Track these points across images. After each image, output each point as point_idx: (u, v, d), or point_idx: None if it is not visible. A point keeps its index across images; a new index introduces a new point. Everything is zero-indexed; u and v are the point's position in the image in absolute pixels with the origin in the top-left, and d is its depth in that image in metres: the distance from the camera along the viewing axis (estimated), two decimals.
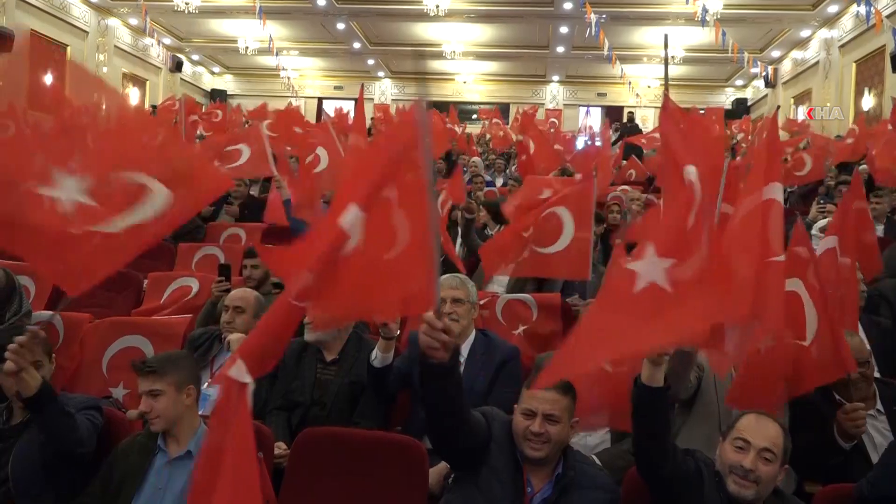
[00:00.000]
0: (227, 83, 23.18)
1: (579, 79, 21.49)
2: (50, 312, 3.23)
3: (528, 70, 21.09)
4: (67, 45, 16.06)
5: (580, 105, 21.75)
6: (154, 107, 13.36)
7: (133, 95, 18.67)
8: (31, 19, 14.75)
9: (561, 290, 4.06)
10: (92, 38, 16.86)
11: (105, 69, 17.21)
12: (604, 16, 14.92)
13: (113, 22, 17.47)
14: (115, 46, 17.74)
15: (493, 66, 21.16)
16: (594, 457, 2.53)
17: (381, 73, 21.97)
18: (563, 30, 16.89)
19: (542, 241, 3.76)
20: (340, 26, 17.52)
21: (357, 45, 19.14)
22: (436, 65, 20.76)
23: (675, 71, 17.10)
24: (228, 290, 3.52)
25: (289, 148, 7.73)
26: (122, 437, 2.47)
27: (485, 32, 17.81)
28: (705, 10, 13.85)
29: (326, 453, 2.47)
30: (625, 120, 16.57)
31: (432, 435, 2.09)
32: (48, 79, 15.09)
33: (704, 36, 15.34)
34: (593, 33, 14.84)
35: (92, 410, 2.46)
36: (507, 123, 15.95)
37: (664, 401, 1.95)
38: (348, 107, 14.38)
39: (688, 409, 2.63)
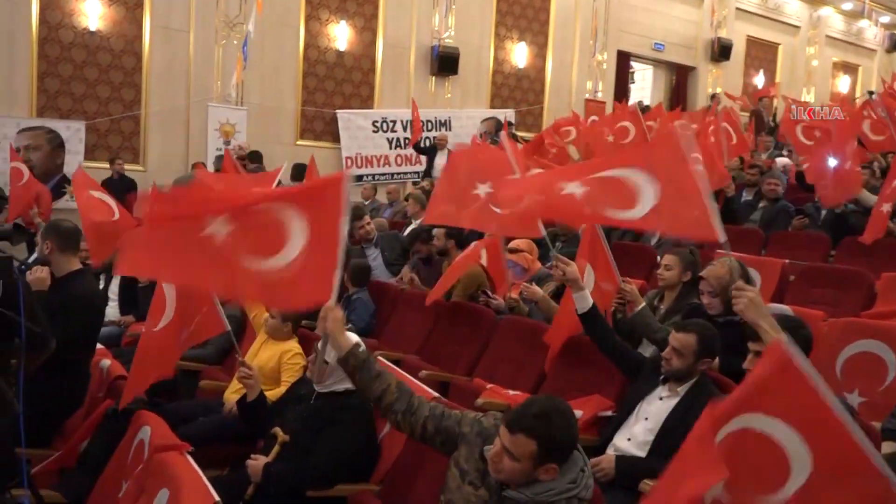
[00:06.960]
0: None
1: None
2: None
3: None
4: (779, 44, 16.54)
5: None
6: (871, 93, 12.32)
7: (843, 84, 17.89)
8: (749, 26, 15.83)
9: None
10: (803, 33, 16.86)
11: (815, 62, 17.02)
12: None
13: (825, 11, 17.04)
14: (826, 36, 17.28)
15: None
16: None
17: None
18: None
19: None
20: None
21: None
22: None
23: None
24: None
25: None
26: None
27: None
28: None
29: None
30: None
31: None
32: (759, 79, 15.92)
33: None
34: None
35: None
36: None
37: None
38: None
39: None
